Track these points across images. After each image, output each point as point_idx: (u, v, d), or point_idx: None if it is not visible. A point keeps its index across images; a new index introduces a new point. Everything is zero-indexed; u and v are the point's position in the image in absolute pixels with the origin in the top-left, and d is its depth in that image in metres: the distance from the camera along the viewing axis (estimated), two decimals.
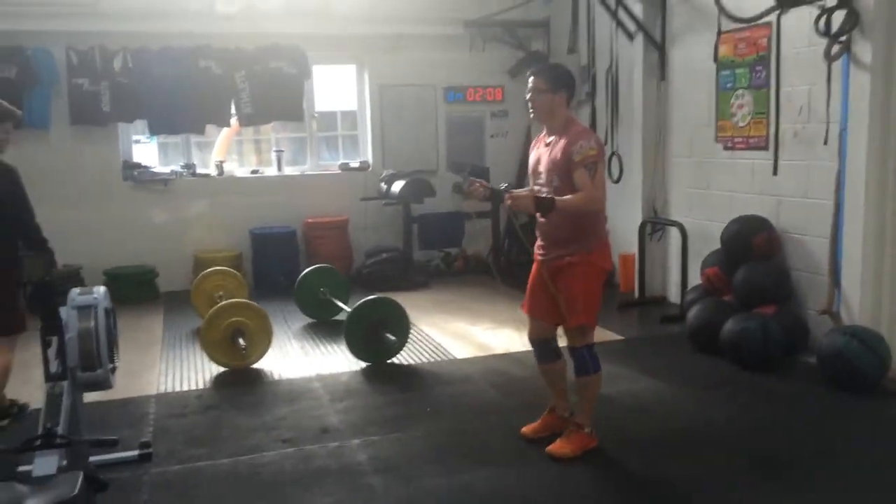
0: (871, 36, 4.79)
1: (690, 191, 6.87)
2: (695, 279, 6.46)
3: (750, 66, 6.05)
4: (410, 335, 5.79)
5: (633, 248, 7.32)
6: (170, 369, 5.65)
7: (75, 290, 3.82)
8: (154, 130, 8.36)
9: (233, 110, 8.40)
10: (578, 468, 3.82)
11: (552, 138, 3.90)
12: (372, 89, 9.00)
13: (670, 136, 7.09)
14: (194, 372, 5.56)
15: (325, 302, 6.86)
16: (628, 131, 7.31)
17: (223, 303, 5.74)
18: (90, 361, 3.68)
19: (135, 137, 8.58)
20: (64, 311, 3.69)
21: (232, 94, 8.34)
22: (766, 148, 5.89)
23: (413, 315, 5.77)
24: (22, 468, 3.16)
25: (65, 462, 3.13)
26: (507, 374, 5.33)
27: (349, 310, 5.86)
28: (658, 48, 7.07)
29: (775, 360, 5.15)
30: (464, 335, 6.38)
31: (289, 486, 3.72)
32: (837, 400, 4.60)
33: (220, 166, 8.63)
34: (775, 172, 5.58)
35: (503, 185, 4.04)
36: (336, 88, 9.34)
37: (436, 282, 8.47)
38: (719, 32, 6.04)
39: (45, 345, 3.58)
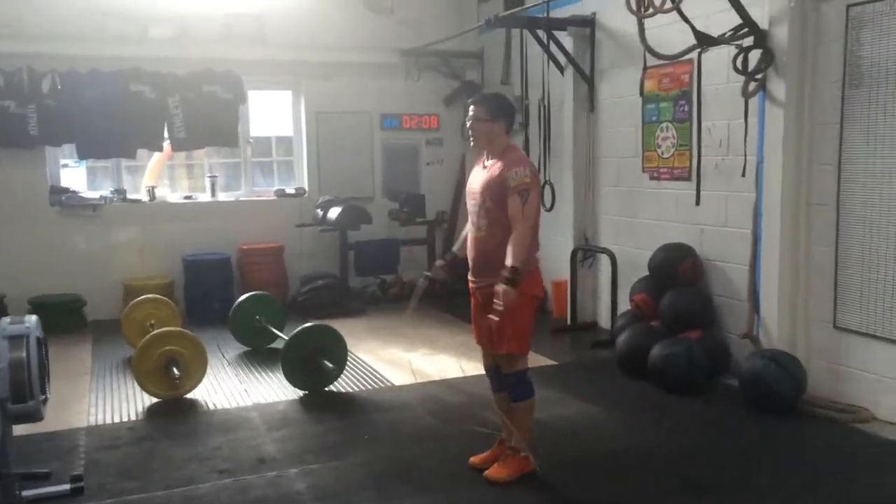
0: (785, 74, 5.09)
1: (619, 219, 7.11)
2: (624, 305, 6.68)
3: (674, 100, 6.34)
4: (347, 362, 5.81)
5: (566, 275, 7.51)
6: (100, 400, 5.52)
7: (6, 319, 3.73)
8: (83, 154, 8.18)
9: (165, 135, 8.31)
10: (515, 492, 3.91)
11: (490, 161, 4.02)
12: (308, 115, 9.03)
13: (599, 166, 7.33)
14: (126, 403, 5.46)
15: (261, 329, 6.82)
16: (560, 161, 7.53)
17: (156, 331, 5.66)
18: (21, 392, 3.59)
19: (63, 161, 8.40)
20: None
21: (165, 119, 8.24)
22: (689, 179, 6.16)
23: (350, 342, 5.80)
24: None
25: None
26: (444, 400, 5.40)
27: (286, 337, 5.85)
28: (588, 81, 7.32)
29: (699, 384, 5.36)
30: (400, 362, 6.42)
31: None
32: (758, 421, 4.82)
33: (151, 191, 8.50)
34: (698, 202, 5.83)
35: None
36: (271, 114, 9.34)
37: (372, 308, 8.50)
38: (645, 68, 6.30)
39: None
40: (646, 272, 6.34)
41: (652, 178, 6.63)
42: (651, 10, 5.00)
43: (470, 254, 4.10)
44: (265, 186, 9.23)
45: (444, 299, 8.72)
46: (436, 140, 9.58)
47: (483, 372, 5.69)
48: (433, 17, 9.23)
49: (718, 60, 5.63)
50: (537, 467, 4.05)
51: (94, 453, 4.51)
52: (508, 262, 3.76)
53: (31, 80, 7.77)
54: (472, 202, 4.08)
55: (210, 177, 8.82)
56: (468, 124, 4.04)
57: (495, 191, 3.90)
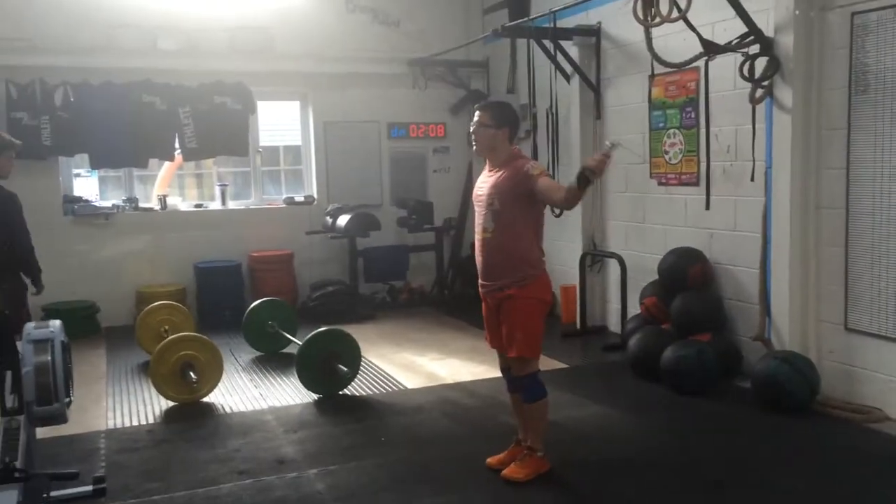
0: (791, 81, 5.17)
1: (627, 224, 7.18)
2: (634, 309, 6.74)
3: (680, 107, 6.42)
4: (360, 367, 5.87)
5: (575, 280, 7.58)
6: (117, 405, 5.59)
7: (30, 324, 3.80)
8: (96, 164, 8.27)
9: (177, 144, 8.40)
10: (531, 493, 3.95)
11: (495, 170, 4.07)
12: (316, 125, 9.12)
13: (607, 172, 7.34)
14: (143, 406, 5.52)
15: (274, 335, 6.88)
16: (568, 168, 7.59)
17: (173, 336, 5.72)
18: (47, 395, 3.65)
19: (76, 171, 8.49)
20: (20, 345, 3.67)
21: (176, 129, 8.33)
22: (697, 184, 6.24)
23: (361, 347, 5.85)
24: None
25: (22, 497, 3.12)
26: (458, 403, 5.46)
27: (299, 342, 5.91)
28: (594, 89, 7.41)
29: (712, 386, 5.41)
30: (412, 366, 6.49)
31: None
32: (771, 422, 4.86)
33: (162, 200, 8.59)
34: (707, 207, 5.90)
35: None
36: (279, 123, 9.43)
37: (381, 314, 8.57)
38: (652, 76, 6.40)
39: (1, 379, 3.55)
40: (655, 276, 6.41)
41: (660, 183, 6.71)
42: (658, 20, 5.10)
43: (478, 258, 4.14)
44: (275, 195, 9.31)
45: (454, 304, 8.82)
46: (443, 148, 9.67)
47: (494, 374, 5.84)
48: (439, 28, 9.33)
49: (725, 68, 5.72)
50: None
51: (114, 456, 4.58)
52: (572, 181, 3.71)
53: (43, 92, 7.86)
54: (478, 206, 4.13)
55: (220, 185, 8.90)
56: (472, 129, 4.10)
57: (504, 193, 3.95)
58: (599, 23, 7.31)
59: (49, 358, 3.72)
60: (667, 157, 6.61)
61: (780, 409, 4.95)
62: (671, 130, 6.54)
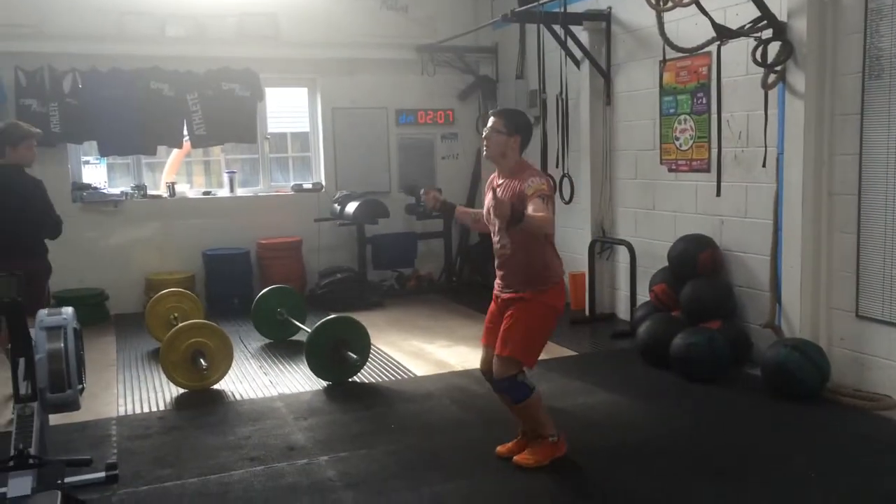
0: (805, 66, 5.12)
1: (637, 211, 7.15)
2: (643, 296, 6.73)
3: (691, 92, 6.37)
4: (370, 354, 5.87)
5: (583, 267, 7.56)
6: (128, 391, 5.61)
7: (43, 311, 3.81)
8: (104, 151, 8.28)
9: (185, 131, 8.39)
10: (540, 480, 3.95)
11: (503, 181, 4.01)
12: (324, 111, 9.10)
13: (617, 159, 7.37)
14: (153, 393, 5.54)
15: (283, 322, 6.90)
16: (577, 154, 7.57)
17: (183, 324, 5.74)
18: (60, 382, 3.67)
19: (84, 158, 8.49)
20: (33, 332, 3.68)
21: (184, 116, 8.34)
22: (708, 170, 6.20)
23: (370, 334, 5.86)
24: None
25: (36, 483, 3.14)
26: (467, 390, 5.46)
27: (308, 330, 5.92)
28: (604, 75, 7.36)
29: (722, 373, 5.40)
30: (421, 353, 6.49)
31: None
32: (782, 409, 4.85)
33: (171, 187, 8.59)
34: (718, 193, 5.87)
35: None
36: (287, 110, 9.41)
37: (390, 301, 8.57)
38: (663, 61, 6.34)
39: (15, 366, 3.57)
40: (664, 263, 6.38)
41: (670, 170, 6.67)
42: (670, 4, 5.05)
43: (498, 269, 4.10)
44: (282, 182, 9.30)
45: (462, 292, 8.83)
46: (451, 135, 9.64)
47: None
48: (448, 13, 9.28)
49: (737, 53, 5.68)
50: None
51: (125, 442, 4.60)
52: (528, 212, 3.67)
53: (52, 79, 7.86)
54: (491, 223, 4.09)
55: (229, 172, 8.90)
56: (484, 133, 4.06)
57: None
58: (610, 7, 7.25)
59: (62, 345, 3.74)
60: (677, 143, 6.57)
61: (791, 397, 4.94)
62: (682, 116, 6.49)
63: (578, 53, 7.40)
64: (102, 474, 3.97)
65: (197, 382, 5.48)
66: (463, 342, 6.76)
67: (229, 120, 8.49)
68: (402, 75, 9.24)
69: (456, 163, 9.65)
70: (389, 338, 6.96)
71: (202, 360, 5.43)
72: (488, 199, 4.06)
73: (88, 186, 8.29)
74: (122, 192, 8.38)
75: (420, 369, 5.99)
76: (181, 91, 8.29)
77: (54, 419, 4.25)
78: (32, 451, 3.26)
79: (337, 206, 8.63)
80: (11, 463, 3.13)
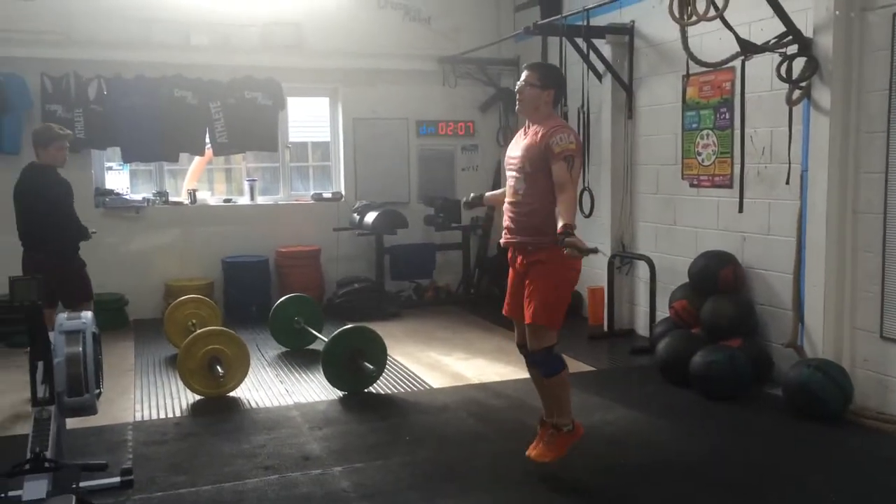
0: (830, 82, 5.06)
1: (657, 226, 7.09)
2: (662, 312, 6.66)
3: (714, 107, 6.33)
4: (386, 365, 5.85)
5: (602, 282, 7.50)
6: (145, 397, 5.62)
7: (63, 315, 3.83)
8: (127, 158, 8.36)
9: (207, 139, 8.45)
10: (559, 497, 3.91)
11: (530, 130, 4.03)
12: (345, 121, 9.13)
13: (638, 173, 7.33)
14: (170, 399, 5.55)
15: (300, 331, 6.90)
16: (598, 167, 7.54)
17: (201, 330, 5.75)
18: (77, 386, 3.68)
19: (107, 164, 8.59)
20: (52, 335, 3.70)
21: (207, 124, 8.40)
22: (730, 186, 6.14)
23: (387, 345, 5.84)
24: (11, 493, 3.14)
25: (51, 487, 3.15)
26: (484, 403, 5.42)
27: (325, 339, 5.91)
28: (626, 89, 7.33)
29: (743, 392, 5.33)
30: (438, 365, 6.46)
31: None
32: (803, 431, 4.77)
33: (192, 194, 8.64)
34: (741, 210, 5.81)
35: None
36: (308, 119, 9.46)
37: (407, 312, 8.56)
38: (687, 75, 6.30)
39: (33, 369, 3.58)
40: (684, 279, 6.32)
41: (692, 185, 6.62)
42: (694, 18, 5.01)
43: (506, 219, 4.11)
44: (303, 191, 9.33)
45: (480, 304, 8.80)
46: (471, 146, 9.64)
47: (521, 375, 5.80)
48: (470, 25, 9.30)
49: (761, 68, 5.63)
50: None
51: (141, 448, 4.60)
52: (562, 221, 3.71)
53: (77, 86, 7.96)
54: (510, 167, 4.11)
55: (249, 180, 8.94)
56: (517, 87, 4.07)
57: (534, 154, 3.92)
58: (633, 21, 7.23)
59: (80, 349, 3.75)
60: (699, 158, 6.52)
61: (813, 418, 4.86)
62: (705, 131, 6.45)
63: (601, 67, 7.38)
64: (117, 479, 3.96)
65: (213, 389, 5.49)
66: (480, 355, 6.73)
67: (251, 128, 8.54)
68: (423, 86, 9.26)
69: (476, 174, 9.65)
70: (406, 349, 6.94)
71: (219, 367, 5.44)
72: (510, 146, 4.17)
73: (111, 192, 8.36)
74: (143, 199, 8.44)
75: (436, 381, 5.96)
76: (204, 99, 8.36)
77: (71, 423, 4.26)
78: (49, 454, 3.27)
79: (356, 216, 8.64)
80: (28, 466, 3.13)
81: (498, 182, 9.40)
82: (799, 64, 5.23)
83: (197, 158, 8.77)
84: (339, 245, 8.91)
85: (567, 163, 3.83)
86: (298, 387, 5.87)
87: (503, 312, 4.32)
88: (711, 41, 5.89)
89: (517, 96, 4.08)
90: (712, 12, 4.87)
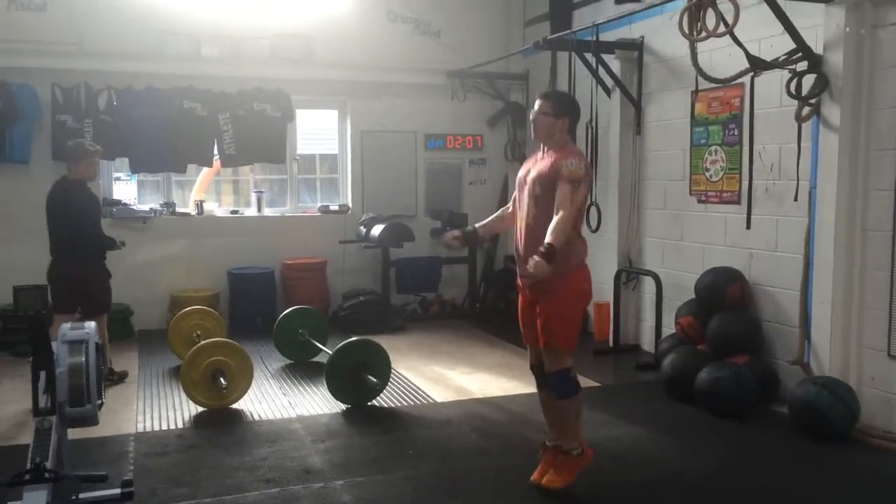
0: (840, 99, 5.04)
1: (664, 241, 7.06)
2: (668, 328, 6.62)
3: (723, 123, 6.31)
4: (390, 378, 5.83)
5: (608, 297, 7.46)
6: (147, 408, 5.61)
7: (66, 325, 3.82)
8: (136, 168, 8.38)
9: (215, 150, 8.47)
10: None
11: (546, 154, 4.05)
12: (353, 134, 9.15)
13: (645, 188, 7.31)
14: (173, 411, 5.54)
15: (304, 343, 6.88)
16: (606, 182, 7.52)
17: (204, 342, 5.74)
18: (79, 397, 3.66)
19: (115, 174, 8.61)
20: (54, 345, 3.69)
21: (215, 135, 8.42)
22: (738, 202, 6.11)
23: (391, 358, 5.82)
24: (10, 503, 3.12)
25: (51, 497, 3.12)
26: (488, 418, 5.38)
27: (329, 351, 5.89)
28: (634, 104, 7.32)
29: (748, 409, 5.28)
30: (442, 379, 6.43)
31: None
32: (809, 449, 4.73)
33: (199, 205, 8.66)
34: (748, 226, 5.77)
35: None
36: (316, 131, 9.48)
37: (412, 326, 8.53)
38: (696, 91, 6.29)
39: (35, 378, 3.58)
40: (691, 295, 6.28)
41: (700, 201, 6.59)
42: (704, 34, 5.00)
43: (518, 244, 4.10)
44: (310, 203, 9.34)
45: (485, 318, 8.77)
46: (479, 160, 9.64)
47: (524, 390, 5.78)
48: (480, 39, 9.32)
49: (771, 84, 5.61)
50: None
51: (143, 459, 4.58)
52: (548, 239, 3.73)
53: (88, 97, 8.00)
54: (523, 190, 4.11)
55: (256, 192, 8.96)
56: (531, 117, 4.09)
57: (545, 178, 3.93)
58: (642, 37, 7.23)
59: (83, 359, 3.74)
60: (707, 174, 6.49)
61: (819, 437, 4.80)
62: (713, 147, 6.42)
63: (609, 82, 7.38)
64: (118, 491, 3.94)
65: (216, 401, 5.47)
66: (484, 369, 6.69)
67: (259, 140, 8.56)
68: (432, 100, 9.27)
69: (483, 188, 9.64)
70: (410, 362, 6.91)
71: (222, 379, 5.42)
72: (523, 168, 4.18)
73: (118, 202, 8.39)
74: (150, 209, 8.46)
75: (440, 395, 5.93)
76: (213, 110, 8.39)
77: (73, 433, 4.24)
78: (49, 464, 3.26)
79: (363, 229, 8.64)
80: (27, 476, 3.11)
81: (505, 197, 9.40)
82: (809, 80, 5.21)
83: (205, 170, 8.80)
84: (345, 258, 8.90)
85: (572, 185, 3.84)
86: (302, 399, 5.84)
87: (523, 340, 4.29)
88: (721, 57, 5.87)
89: (532, 126, 4.11)
90: (722, 28, 4.85)
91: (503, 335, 7.82)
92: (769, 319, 5.85)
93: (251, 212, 8.96)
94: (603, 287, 7.51)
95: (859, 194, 5.06)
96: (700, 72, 5.40)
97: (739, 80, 5.54)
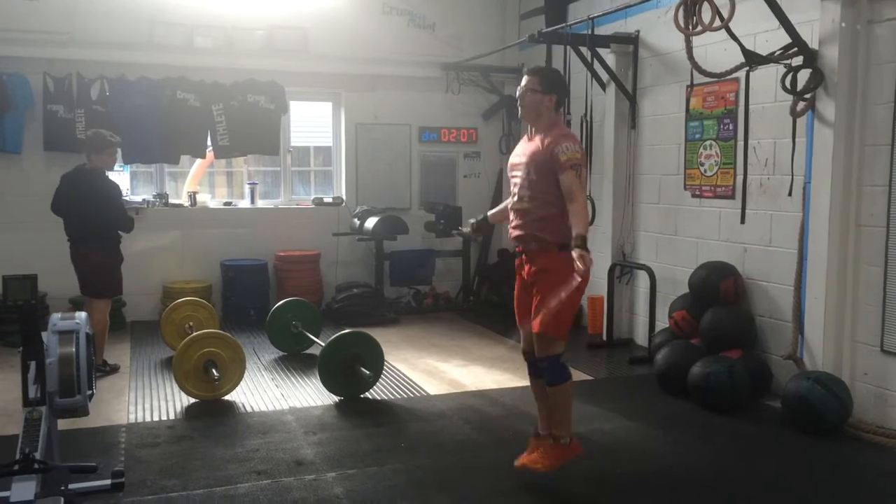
0: (835, 94, 5.03)
1: (659, 236, 7.06)
2: (662, 322, 6.62)
3: (718, 118, 6.30)
4: (383, 370, 5.81)
5: (602, 291, 7.46)
6: (139, 399, 5.58)
7: (56, 315, 3.79)
8: (128, 159, 8.32)
9: (209, 142, 8.43)
10: None
11: (535, 137, 4.02)
12: (348, 126, 9.11)
13: (640, 183, 7.30)
14: (164, 402, 5.51)
15: (297, 335, 6.86)
16: (600, 176, 7.52)
17: (197, 333, 5.71)
18: (69, 387, 3.64)
19: None
20: (44, 335, 3.66)
21: (209, 126, 8.38)
22: (732, 197, 6.11)
23: (384, 351, 5.80)
24: None
25: (40, 488, 3.11)
26: (480, 411, 5.38)
27: (322, 343, 5.87)
28: (629, 98, 7.31)
29: (741, 403, 5.28)
30: (435, 372, 6.42)
31: None
32: (802, 444, 4.73)
33: (193, 197, 8.61)
34: (743, 221, 5.77)
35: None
36: (311, 124, 9.44)
37: (406, 318, 8.52)
38: (691, 86, 6.27)
39: (25, 369, 3.55)
40: (685, 290, 6.28)
41: (694, 195, 6.58)
42: (700, 28, 4.99)
43: (512, 227, 4.09)
44: (303, 195, 9.31)
45: (479, 311, 8.76)
46: (474, 153, 9.62)
47: (518, 383, 5.77)
48: (475, 33, 9.30)
49: (766, 79, 5.60)
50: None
51: (134, 450, 4.56)
52: (576, 231, 3.72)
53: (80, 86, 7.94)
54: (515, 174, 4.09)
55: (250, 184, 8.92)
56: (519, 93, 4.05)
57: (540, 162, 3.91)
58: (638, 31, 7.21)
59: (73, 349, 3.72)
60: (702, 168, 6.49)
61: (811, 431, 4.81)
62: (708, 142, 6.42)
63: (604, 76, 7.36)
64: (108, 482, 3.92)
65: (208, 393, 5.45)
66: (478, 362, 6.69)
67: (253, 132, 8.52)
68: (426, 93, 9.24)
69: (478, 181, 9.63)
70: (403, 355, 6.90)
71: (214, 371, 5.40)
72: (514, 152, 4.16)
73: None
74: (143, 200, 8.42)
75: (433, 388, 5.92)
76: (207, 101, 8.34)
77: (64, 424, 4.22)
78: (38, 455, 3.24)
79: (357, 221, 8.62)
80: (16, 467, 3.09)
81: (500, 190, 9.39)
82: (804, 75, 5.20)
83: (198, 161, 8.74)
84: (338, 250, 8.88)
85: (574, 170, 3.84)
86: (294, 391, 5.83)
87: (517, 322, 4.28)
88: (716, 52, 5.87)
89: (518, 102, 4.06)
90: (717, 22, 4.85)
91: (497, 328, 7.82)
92: (763, 314, 5.86)
93: (245, 204, 8.92)
94: (597, 281, 7.51)
95: (853, 190, 5.06)
96: (695, 66, 5.39)
97: (734, 75, 5.53)
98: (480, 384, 6.01)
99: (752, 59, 5.30)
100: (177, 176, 8.90)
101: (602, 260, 7.49)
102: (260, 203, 8.95)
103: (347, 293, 8.44)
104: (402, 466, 4.34)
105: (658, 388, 5.78)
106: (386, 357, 5.85)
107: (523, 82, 4.04)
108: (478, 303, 9.21)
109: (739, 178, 5.94)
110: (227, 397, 5.53)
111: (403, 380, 6.13)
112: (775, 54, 5.28)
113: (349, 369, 5.55)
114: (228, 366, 5.50)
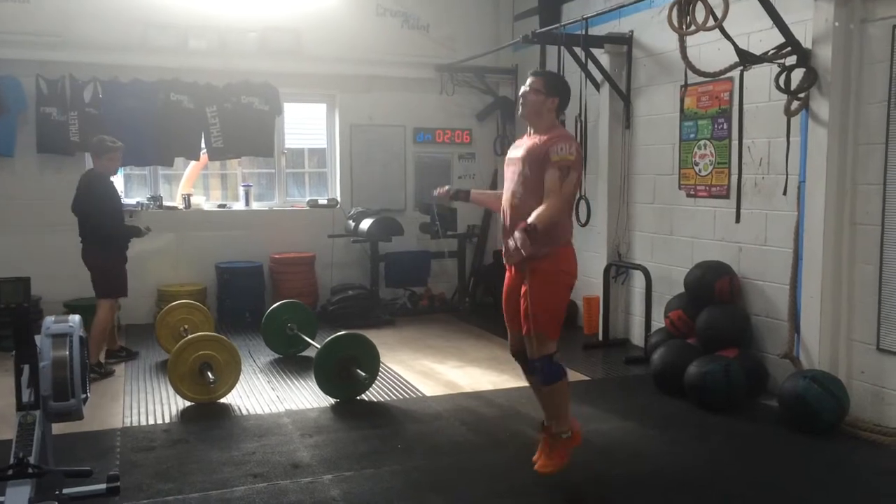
0: (829, 93, 5.04)
1: (654, 235, 7.06)
2: (658, 322, 6.62)
3: (712, 118, 6.31)
4: (379, 372, 5.80)
5: (598, 291, 7.46)
6: (134, 402, 5.56)
7: (50, 318, 3.78)
8: (122, 162, 8.26)
9: (203, 144, 8.41)
10: None
11: (534, 136, 4.02)
12: (342, 128, 9.10)
13: (635, 183, 7.30)
14: (160, 405, 5.49)
15: (292, 337, 6.85)
16: (595, 177, 7.51)
17: (191, 336, 5.69)
18: (63, 391, 3.63)
19: None
20: (38, 339, 3.65)
21: (203, 128, 8.35)
22: (727, 196, 6.12)
23: (380, 352, 5.79)
24: None
25: (34, 493, 3.09)
26: (477, 412, 5.36)
27: (318, 346, 5.86)
28: (623, 98, 7.31)
29: (737, 403, 5.28)
30: (431, 373, 6.41)
31: None
32: (799, 442, 4.73)
33: (187, 199, 8.59)
34: (738, 220, 5.77)
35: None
36: (305, 125, 9.42)
37: (401, 320, 8.50)
38: (685, 86, 6.28)
39: (18, 372, 3.53)
40: (680, 289, 6.29)
41: (689, 195, 6.59)
42: (693, 28, 4.99)
43: (505, 222, 4.08)
44: (298, 197, 9.29)
45: (474, 312, 8.76)
46: (468, 154, 9.62)
47: (514, 384, 5.77)
48: (468, 34, 9.31)
49: (760, 79, 5.61)
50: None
51: (129, 454, 4.54)
52: (530, 220, 3.61)
53: (73, 88, 7.91)
54: (510, 170, 4.08)
55: (244, 186, 8.90)
56: (521, 92, 4.06)
57: (535, 159, 3.90)
58: (632, 31, 7.21)
59: (67, 353, 3.70)
60: (696, 168, 6.49)
61: (808, 430, 4.81)
62: (702, 141, 6.42)
63: (599, 76, 7.36)
64: (103, 486, 3.90)
65: (204, 396, 5.43)
66: (474, 363, 6.68)
67: (247, 133, 8.50)
68: (421, 94, 9.24)
69: (472, 183, 9.58)
70: (399, 356, 6.89)
71: (210, 374, 5.38)
72: (511, 149, 4.15)
73: None
74: (137, 203, 8.39)
75: (429, 389, 5.91)
76: (200, 103, 8.32)
77: (59, 428, 4.21)
78: (32, 459, 3.22)
79: (351, 223, 8.60)
80: (10, 471, 3.08)
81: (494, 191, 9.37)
82: (798, 75, 5.21)
83: (192, 163, 8.72)
84: (333, 252, 8.86)
85: (561, 172, 3.80)
86: (290, 394, 5.81)
87: (505, 320, 4.27)
88: (710, 51, 5.87)
89: (520, 101, 4.07)
90: (711, 22, 4.84)
91: (493, 329, 7.80)
92: (758, 313, 5.86)
93: (239, 206, 8.90)
94: (592, 281, 7.53)
95: (848, 188, 5.06)
96: (689, 66, 5.39)
97: (728, 75, 5.53)
98: (476, 385, 6.00)
99: (746, 59, 5.30)
100: (171, 178, 8.88)
101: (598, 260, 7.50)
102: (254, 205, 8.94)
103: (343, 295, 8.43)
104: (399, 468, 4.33)
105: (654, 388, 5.78)
106: (382, 359, 5.84)
107: (527, 82, 4.06)
108: (473, 304, 9.20)
109: (734, 178, 5.94)
110: (222, 400, 5.51)
111: (399, 381, 6.12)
112: (769, 54, 5.29)
113: (345, 371, 5.53)
114: (224, 369, 5.48)
